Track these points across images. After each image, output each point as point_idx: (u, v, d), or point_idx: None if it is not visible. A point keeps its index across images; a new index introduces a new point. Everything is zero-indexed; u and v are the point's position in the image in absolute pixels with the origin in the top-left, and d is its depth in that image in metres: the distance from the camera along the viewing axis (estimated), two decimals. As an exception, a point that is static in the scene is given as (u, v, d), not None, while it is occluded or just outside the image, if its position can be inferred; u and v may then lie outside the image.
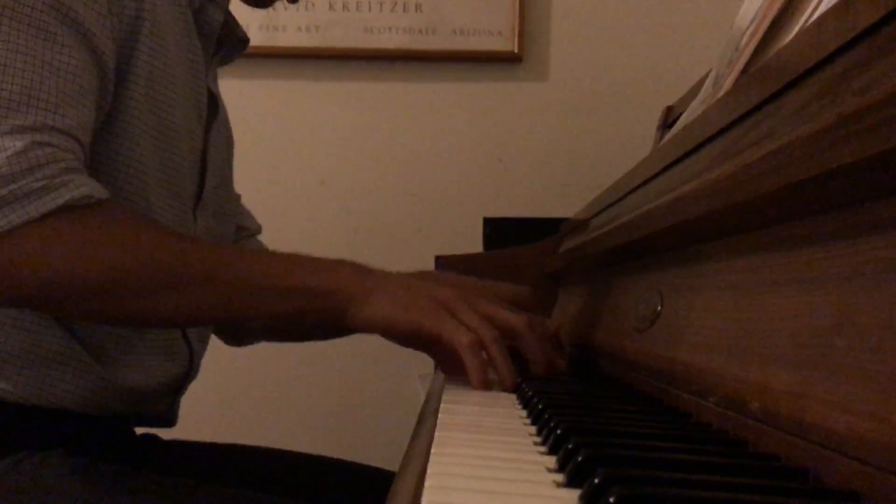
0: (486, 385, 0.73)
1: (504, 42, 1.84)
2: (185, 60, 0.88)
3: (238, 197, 1.12)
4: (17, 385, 0.78)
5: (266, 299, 0.75)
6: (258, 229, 1.17)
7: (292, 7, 1.81)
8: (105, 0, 0.75)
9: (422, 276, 0.85)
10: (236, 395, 1.88)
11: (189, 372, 0.94)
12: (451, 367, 0.79)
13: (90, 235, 0.70)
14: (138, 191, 0.82)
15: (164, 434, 1.01)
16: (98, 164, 0.79)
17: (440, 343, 0.75)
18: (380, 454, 1.13)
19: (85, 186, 0.69)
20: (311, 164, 1.89)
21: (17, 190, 0.66)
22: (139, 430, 0.97)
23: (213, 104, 0.96)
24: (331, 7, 1.84)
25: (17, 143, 0.67)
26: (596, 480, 0.35)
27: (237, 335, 1.12)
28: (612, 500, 0.33)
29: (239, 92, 1.88)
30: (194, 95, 0.90)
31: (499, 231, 1.54)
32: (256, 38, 1.86)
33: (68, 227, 0.69)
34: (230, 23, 0.99)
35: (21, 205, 0.66)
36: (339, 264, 0.79)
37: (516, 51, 1.84)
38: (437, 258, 1.42)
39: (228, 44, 1.00)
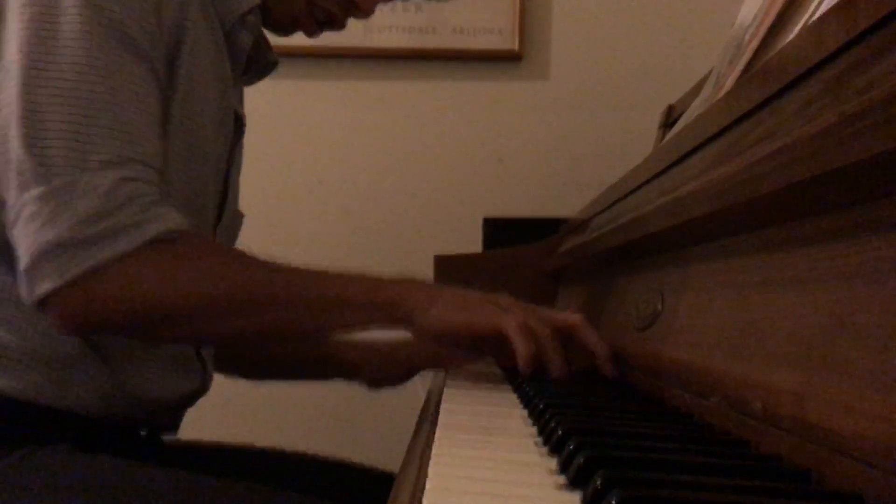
0: (532, 364, 0.75)
1: (504, 41, 1.84)
2: (215, 81, 0.89)
3: (242, 217, 1.13)
4: (28, 384, 0.78)
5: (337, 316, 0.80)
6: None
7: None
8: (155, 23, 0.78)
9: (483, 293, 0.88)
10: (236, 395, 1.88)
11: (201, 389, 0.95)
12: (506, 359, 0.81)
13: (176, 267, 0.75)
14: None
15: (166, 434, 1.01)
16: None
17: (492, 334, 0.77)
18: (380, 454, 1.12)
19: (171, 221, 0.74)
20: (310, 163, 1.89)
21: (110, 227, 0.70)
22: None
23: (239, 126, 0.98)
24: (331, 6, 1.84)
25: (107, 181, 0.71)
26: (598, 482, 0.35)
27: (252, 370, 1.18)
28: (613, 501, 0.33)
29: (239, 91, 1.88)
30: (222, 117, 0.92)
31: (499, 231, 1.54)
32: (256, 38, 1.86)
33: (156, 259, 0.73)
34: (262, 45, 0.99)
35: (114, 240, 0.71)
36: (403, 280, 0.83)
37: (517, 49, 1.84)
38: (437, 258, 1.41)
39: (257, 66, 1.01)
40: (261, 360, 1.16)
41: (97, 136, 0.72)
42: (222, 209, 0.97)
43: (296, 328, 0.83)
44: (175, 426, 0.98)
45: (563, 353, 0.78)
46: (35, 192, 0.70)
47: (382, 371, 1.14)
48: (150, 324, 0.77)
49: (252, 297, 0.78)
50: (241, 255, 0.84)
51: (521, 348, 0.75)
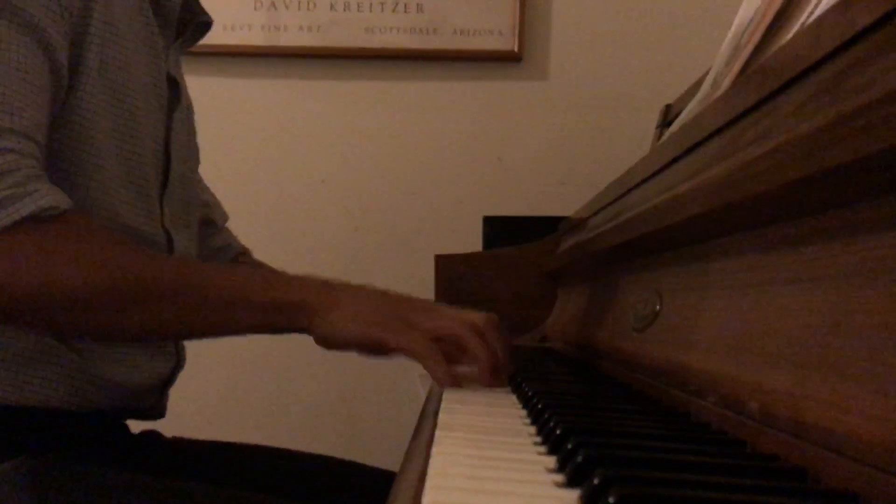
0: (455, 381, 0.73)
1: (504, 42, 1.85)
2: (142, 47, 0.85)
3: (201, 180, 1.08)
4: None
5: (232, 315, 0.75)
6: (225, 219, 1.14)
7: (294, 7, 1.83)
8: None
9: (386, 294, 0.81)
10: (236, 394, 1.89)
11: (177, 365, 0.93)
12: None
13: (57, 249, 0.68)
14: (99, 184, 0.80)
15: (166, 430, 1.01)
16: (56, 159, 0.77)
17: (398, 353, 0.75)
18: (380, 454, 1.13)
19: (49, 196, 0.67)
20: (311, 163, 1.89)
21: None
22: (138, 427, 0.97)
23: (176, 90, 0.93)
24: (332, 7, 1.84)
25: None
26: (595, 481, 0.35)
27: None
28: (611, 500, 0.33)
29: (240, 91, 1.88)
30: (154, 82, 0.87)
31: (498, 230, 1.54)
32: (258, 38, 1.86)
33: (34, 239, 0.67)
34: (192, 6, 0.96)
35: None
36: (305, 279, 0.78)
37: (516, 50, 1.84)
38: (437, 257, 1.42)
39: (191, 27, 0.96)
40: None
41: None
42: (167, 177, 0.91)
43: (186, 327, 0.76)
44: (159, 410, 0.95)
45: (485, 349, 0.75)
46: None
47: None
48: (27, 311, 0.69)
49: (137, 288, 0.71)
50: (130, 243, 0.77)
51: (433, 367, 0.73)
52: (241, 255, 1.14)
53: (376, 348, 0.75)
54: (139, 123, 0.84)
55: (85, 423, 0.83)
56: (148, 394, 0.90)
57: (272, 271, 0.78)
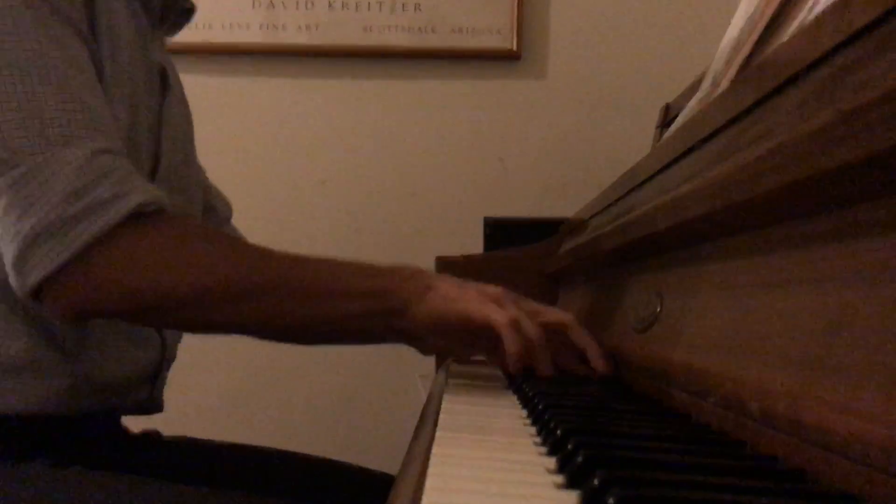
0: (518, 363, 0.74)
1: (503, 40, 1.84)
2: (134, 35, 0.85)
3: (202, 169, 1.07)
4: None
5: (335, 303, 0.77)
6: (230, 213, 1.13)
7: (292, 6, 1.82)
8: None
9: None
10: (237, 395, 1.88)
11: (163, 358, 0.92)
12: (496, 358, 0.81)
13: (170, 248, 0.72)
14: None
15: (166, 430, 1.01)
16: None
17: (482, 327, 0.75)
18: (380, 454, 1.13)
19: (148, 193, 0.70)
20: (311, 163, 1.89)
21: (91, 203, 0.67)
22: (138, 425, 0.97)
23: (164, 77, 0.93)
24: (331, 6, 1.84)
25: (79, 154, 0.68)
26: (595, 482, 0.35)
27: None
28: (611, 501, 0.33)
29: (238, 90, 1.88)
30: (145, 69, 0.87)
31: (499, 231, 1.54)
32: (257, 37, 1.86)
33: (145, 238, 0.70)
34: None
35: (98, 216, 0.67)
36: (397, 267, 0.80)
37: (515, 49, 1.84)
38: (438, 258, 1.42)
39: (174, 14, 0.96)
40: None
41: (52, 111, 0.68)
42: (157, 163, 0.91)
43: (295, 319, 0.77)
44: (155, 404, 0.95)
45: (550, 353, 0.77)
46: (4, 181, 0.67)
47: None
48: (149, 308, 0.73)
49: (253, 283, 0.74)
50: (238, 240, 0.79)
51: (510, 346, 0.74)
52: None
53: (462, 325, 0.76)
54: (140, 113, 0.84)
55: (79, 427, 0.82)
56: (138, 387, 0.89)
57: (366, 263, 0.81)
